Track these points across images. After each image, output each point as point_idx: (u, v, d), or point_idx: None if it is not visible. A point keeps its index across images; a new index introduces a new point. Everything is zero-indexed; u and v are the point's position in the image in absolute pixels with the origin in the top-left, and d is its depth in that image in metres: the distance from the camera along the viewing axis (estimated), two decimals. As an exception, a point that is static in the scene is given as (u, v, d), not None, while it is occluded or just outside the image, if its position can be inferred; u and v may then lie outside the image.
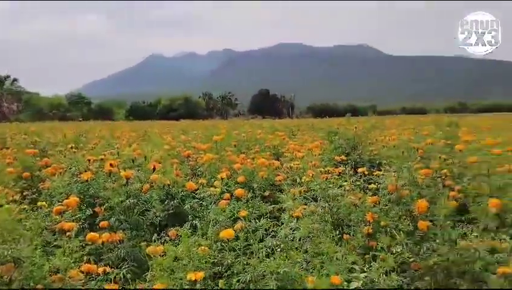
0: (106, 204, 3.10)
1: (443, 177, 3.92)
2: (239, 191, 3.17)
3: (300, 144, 6.38)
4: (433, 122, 11.24)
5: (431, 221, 2.59)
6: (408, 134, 7.12)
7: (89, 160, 4.20)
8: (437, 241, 2.17)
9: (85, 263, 2.28)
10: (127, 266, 2.62)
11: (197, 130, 10.18)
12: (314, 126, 14.37)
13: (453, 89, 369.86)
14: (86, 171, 3.63)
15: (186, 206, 3.19)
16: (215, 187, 3.25)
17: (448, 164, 4.45)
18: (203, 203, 3.13)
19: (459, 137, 5.89)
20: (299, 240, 2.45)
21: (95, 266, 2.28)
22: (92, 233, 2.67)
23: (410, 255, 2.07)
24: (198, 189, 3.34)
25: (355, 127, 6.05)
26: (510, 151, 4.03)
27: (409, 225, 2.66)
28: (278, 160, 5.02)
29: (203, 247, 2.25)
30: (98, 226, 2.96)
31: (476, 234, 2.23)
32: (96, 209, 3.24)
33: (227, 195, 3.13)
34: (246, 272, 2.15)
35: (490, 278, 1.82)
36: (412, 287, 2.04)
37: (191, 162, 4.90)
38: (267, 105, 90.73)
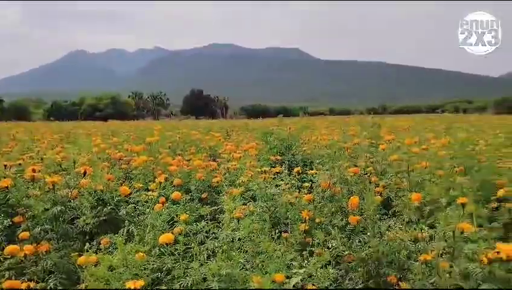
0: (29, 213, 2.83)
1: (369, 174, 4.23)
2: (176, 194, 3.11)
3: (237, 144, 6.42)
4: (357, 123, 12.05)
5: (360, 215, 2.78)
6: (337, 134, 7.54)
7: (5, 165, 3.80)
8: (368, 234, 2.34)
9: (6, 280, 2.06)
10: (54, 279, 2.43)
11: (128, 131, 9.72)
12: (249, 127, 14.55)
13: (375, 92, 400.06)
14: (4, 177, 3.27)
15: (121, 212, 3.04)
16: (152, 191, 3.14)
17: (373, 162, 4.81)
18: (139, 208, 3.00)
19: (381, 137, 6.40)
20: (239, 240, 2.47)
21: (18, 281, 2.07)
22: (11, 245, 2.42)
23: (344, 249, 2.20)
24: (131, 193, 3.20)
25: (289, 128, 6.26)
26: (425, 149, 4.49)
27: (342, 220, 2.83)
28: (215, 161, 5.00)
29: (141, 253, 2.17)
30: (17, 238, 2.69)
31: (400, 226, 2.44)
32: (16, 219, 2.94)
33: (162, 199, 3.05)
34: (187, 276, 2.11)
35: (413, 265, 2.01)
36: (347, 279, 2.18)
37: (124, 165, 4.68)
38: (200, 105, 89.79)
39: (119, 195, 3.27)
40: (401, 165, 4.01)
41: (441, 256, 2.08)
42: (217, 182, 3.96)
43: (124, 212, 3.00)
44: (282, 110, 56.65)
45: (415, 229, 2.37)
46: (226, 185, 3.61)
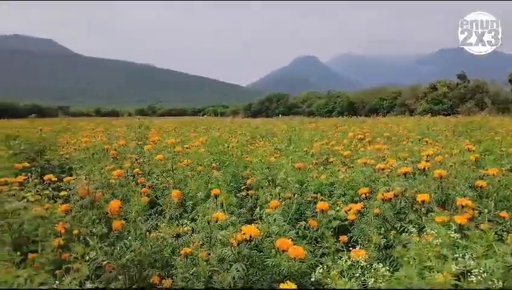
0: None
1: (135, 175, 4.14)
2: None
3: (-36, 151, 5.00)
4: (126, 125, 11.69)
5: (125, 219, 2.65)
6: (102, 136, 7.06)
7: None
8: (129, 238, 2.24)
9: None
10: None
11: None
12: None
13: (144, 93, 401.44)
14: None
15: None
16: None
17: (139, 163, 4.74)
18: None
19: (149, 138, 6.42)
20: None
21: None
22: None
23: (105, 258, 2.02)
24: None
25: (41, 130, 5.37)
26: (188, 148, 4.78)
27: (104, 227, 2.61)
28: None
29: None
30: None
31: (163, 224, 2.46)
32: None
33: None
34: None
35: (176, 260, 2.05)
36: (108, 290, 2.00)
37: None
38: None
39: None
40: (166, 165, 4.12)
41: (202, 246, 2.23)
42: None
43: None
44: (36, 110, 48.63)
45: (177, 225, 2.44)
46: None
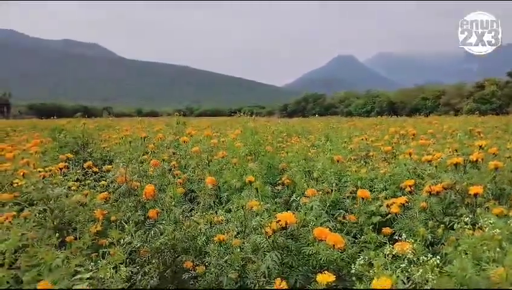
0: None
1: (172, 168, 4.18)
2: None
3: (14, 144, 5.32)
4: (165, 123, 12.03)
5: (161, 208, 2.65)
6: (143, 131, 7.25)
7: None
8: (164, 223, 2.22)
9: None
10: None
11: None
12: (38, 126, 12.54)
13: (181, 94, 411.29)
14: None
15: None
16: None
17: (176, 157, 4.79)
18: None
19: (185, 133, 6.50)
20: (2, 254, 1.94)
21: None
22: None
23: (139, 243, 2.01)
24: None
25: (84, 124, 5.58)
26: (223, 142, 4.77)
27: (142, 215, 2.63)
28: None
29: None
30: None
31: (197, 213, 2.43)
32: None
33: None
34: None
35: (210, 247, 2.01)
36: (141, 273, 1.99)
37: None
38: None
39: None
40: (202, 158, 4.13)
41: (237, 236, 2.17)
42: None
43: None
44: (81, 110, 51.20)
45: (212, 214, 2.40)
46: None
